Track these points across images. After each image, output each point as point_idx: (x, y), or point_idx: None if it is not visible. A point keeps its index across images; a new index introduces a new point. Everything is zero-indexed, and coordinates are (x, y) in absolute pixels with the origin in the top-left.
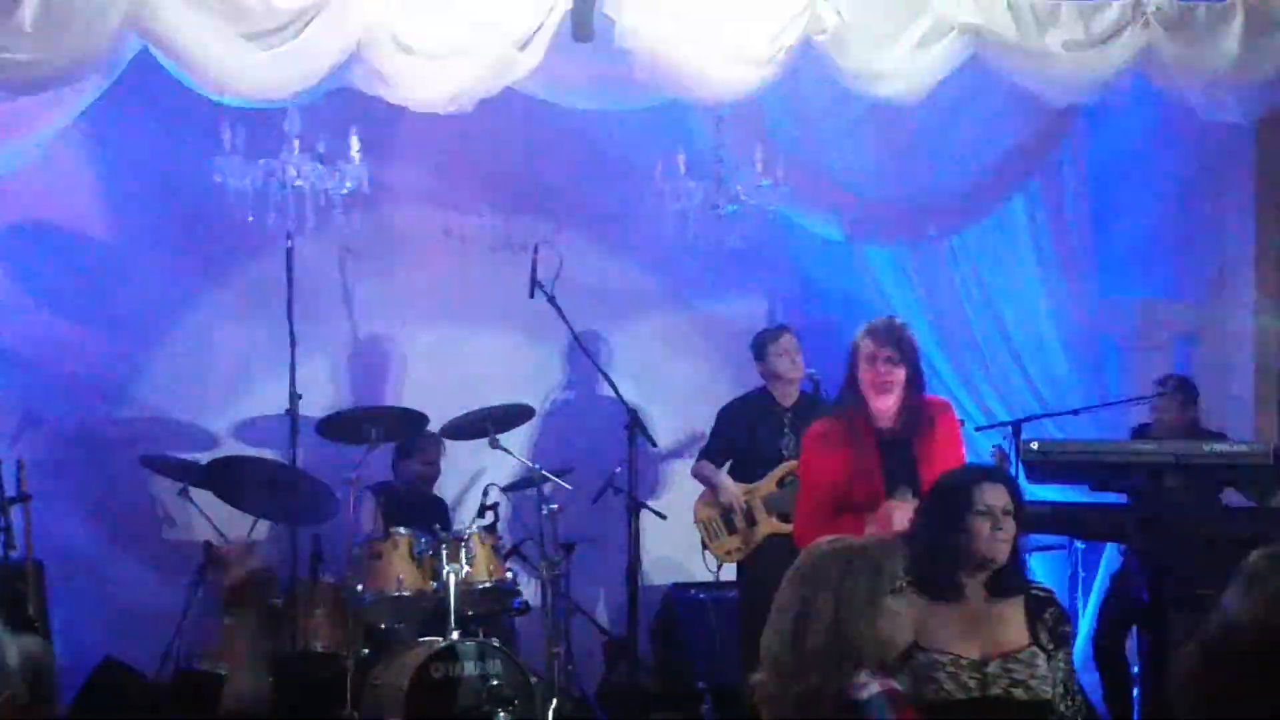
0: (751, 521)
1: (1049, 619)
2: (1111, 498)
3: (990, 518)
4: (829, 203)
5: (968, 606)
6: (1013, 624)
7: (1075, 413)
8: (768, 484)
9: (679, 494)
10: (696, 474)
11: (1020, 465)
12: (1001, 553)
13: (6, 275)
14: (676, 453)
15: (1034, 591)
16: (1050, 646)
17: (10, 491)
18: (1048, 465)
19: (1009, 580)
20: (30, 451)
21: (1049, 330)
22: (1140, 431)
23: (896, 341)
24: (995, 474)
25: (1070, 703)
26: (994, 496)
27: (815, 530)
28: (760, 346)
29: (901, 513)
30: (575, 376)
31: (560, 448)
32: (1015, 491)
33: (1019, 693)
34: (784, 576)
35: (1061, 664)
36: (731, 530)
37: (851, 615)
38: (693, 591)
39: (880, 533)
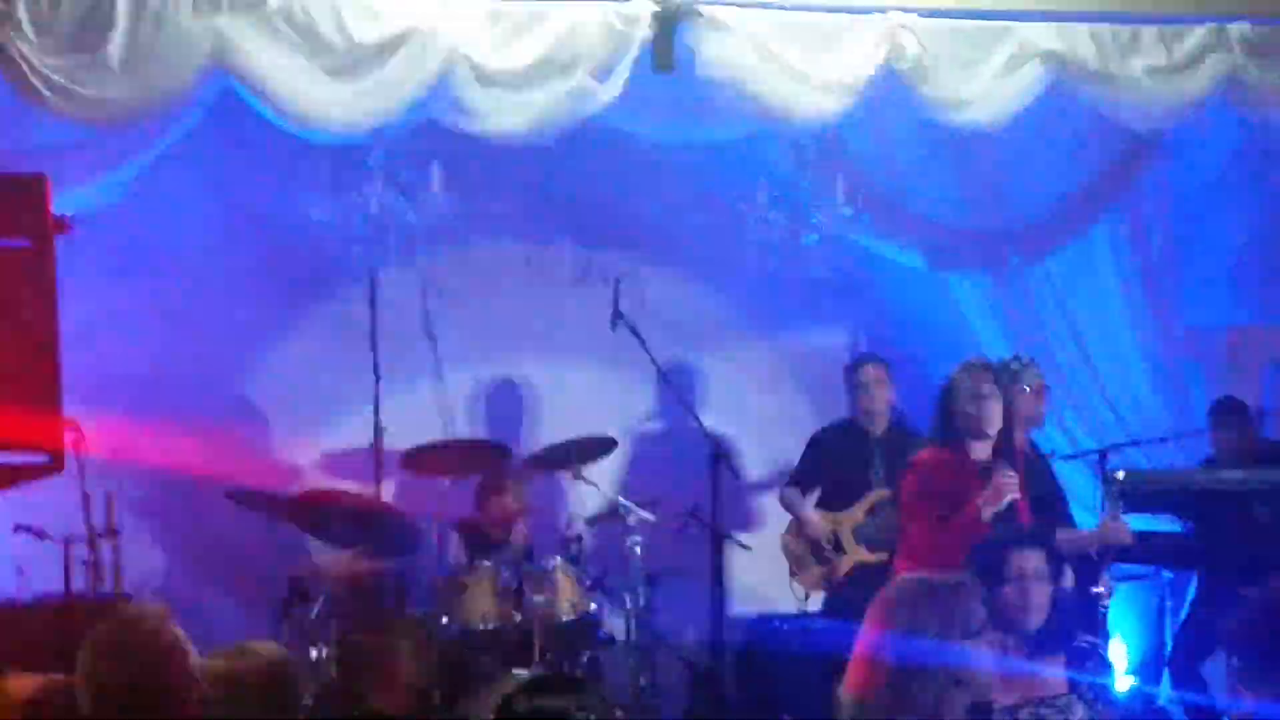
0: (840, 550)
1: (1090, 669)
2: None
3: (1020, 583)
4: (910, 232)
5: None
6: (1050, 666)
7: (1162, 441)
8: (856, 513)
9: (766, 527)
10: (783, 500)
11: (1104, 493)
12: (1030, 619)
13: (99, 308)
14: (763, 484)
15: (1079, 645)
16: (1090, 696)
17: (99, 527)
18: (1134, 494)
19: (1046, 639)
20: (118, 485)
21: (1134, 358)
22: (1208, 464)
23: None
24: (1029, 538)
25: None
26: (1025, 561)
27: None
28: (849, 376)
29: (1009, 483)
30: (659, 408)
31: (645, 480)
32: (1051, 553)
33: None
34: (868, 613)
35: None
36: (820, 560)
37: (924, 657)
38: (778, 623)
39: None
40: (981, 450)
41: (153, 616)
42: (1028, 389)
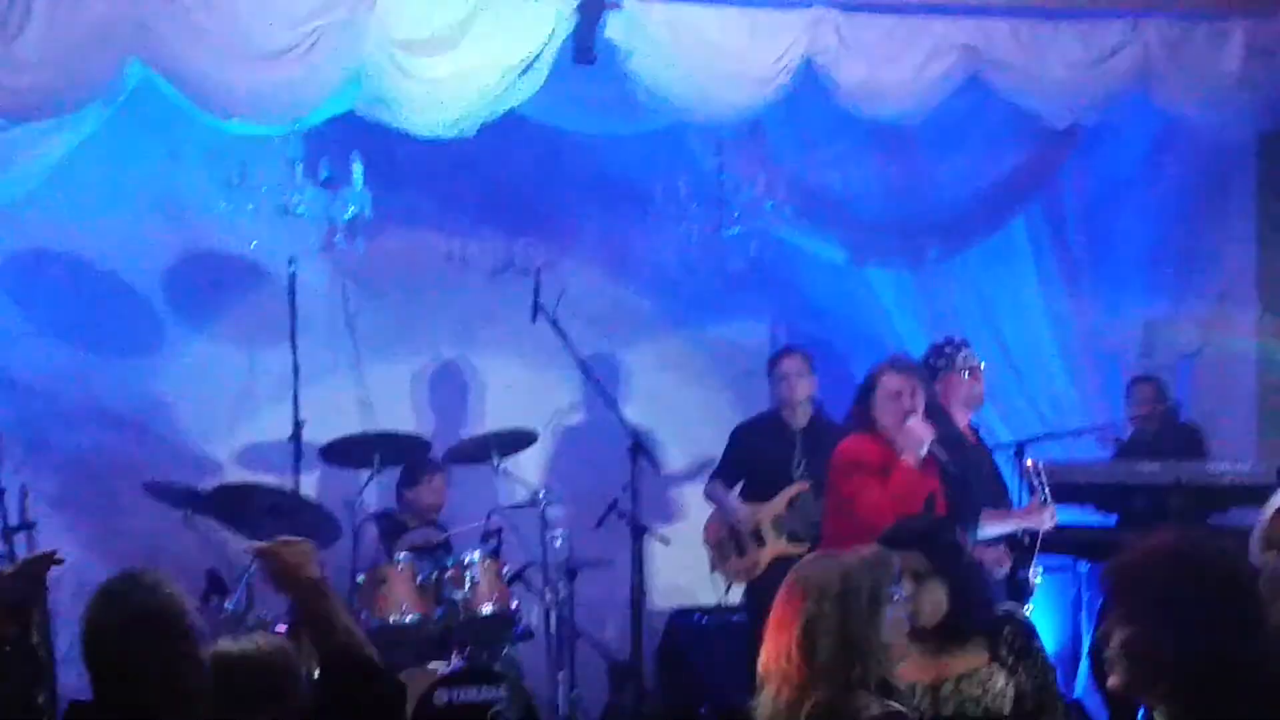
0: (760, 542)
1: (1008, 635)
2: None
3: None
4: (831, 225)
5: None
6: (968, 645)
7: (1078, 433)
8: (778, 505)
9: (687, 519)
10: (708, 495)
11: (1022, 485)
12: (922, 619)
13: (11, 302)
14: (684, 477)
15: (1000, 613)
16: (1010, 660)
17: (14, 519)
18: (1050, 487)
19: (960, 624)
20: (34, 479)
21: (1051, 350)
22: (1127, 449)
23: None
24: (911, 538)
25: (1052, 707)
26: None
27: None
28: (770, 368)
29: (925, 430)
30: (580, 401)
31: (565, 472)
32: (944, 551)
33: (972, 708)
34: (777, 595)
35: (1028, 676)
36: (741, 551)
37: (858, 623)
38: (697, 616)
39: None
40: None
41: (162, 578)
42: (964, 372)
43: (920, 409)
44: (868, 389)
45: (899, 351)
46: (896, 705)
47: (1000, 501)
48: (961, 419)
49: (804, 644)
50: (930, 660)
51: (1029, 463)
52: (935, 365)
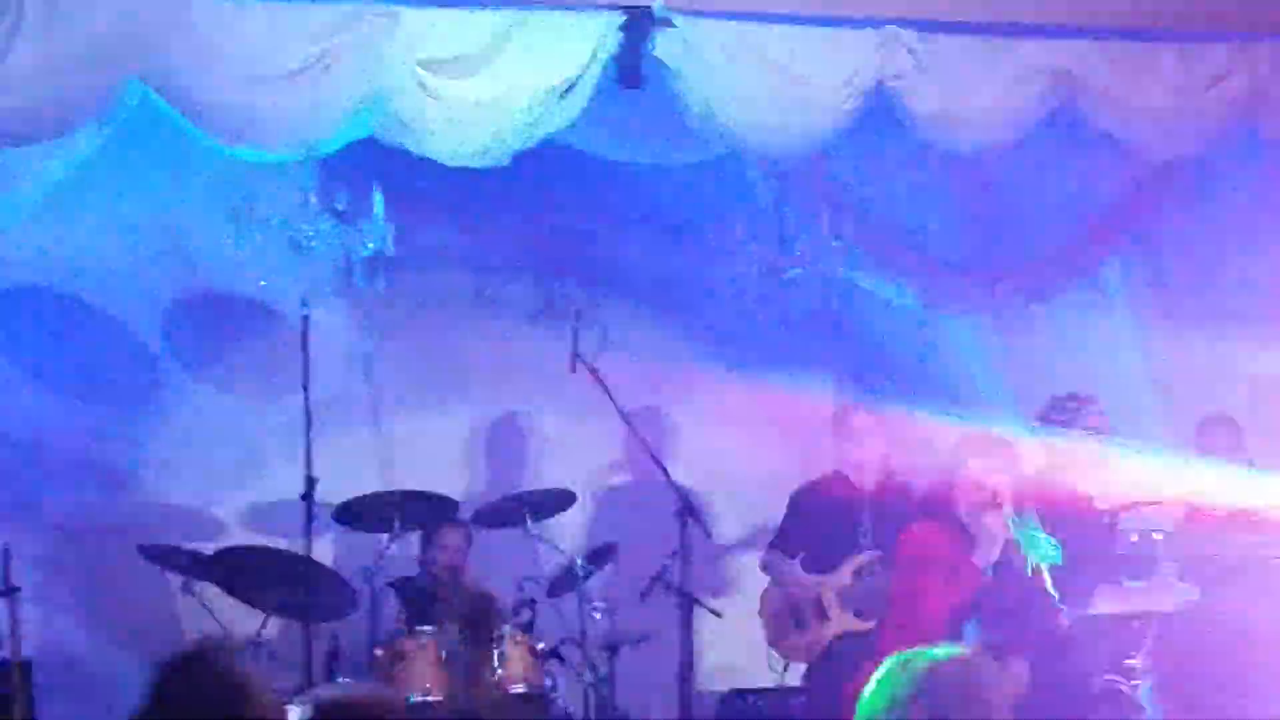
0: (824, 617)
1: None
2: None
3: None
4: (903, 266)
5: None
6: None
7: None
8: (843, 575)
9: (741, 591)
10: (765, 567)
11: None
12: None
13: None
14: (738, 544)
15: None
16: None
17: None
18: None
19: None
20: (19, 540)
21: (1152, 408)
22: None
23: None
24: None
25: None
26: None
27: None
28: (839, 425)
29: (999, 521)
30: (623, 459)
31: (607, 538)
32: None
33: None
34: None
35: None
36: (801, 626)
37: None
38: (752, 699)
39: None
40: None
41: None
42: (1085, 429)
43: (1008, 499)
44: (948, 469)
45: (984, 431)
46: None
47: (1113, 572)
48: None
49: None
50: None
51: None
52: (1055, 420)
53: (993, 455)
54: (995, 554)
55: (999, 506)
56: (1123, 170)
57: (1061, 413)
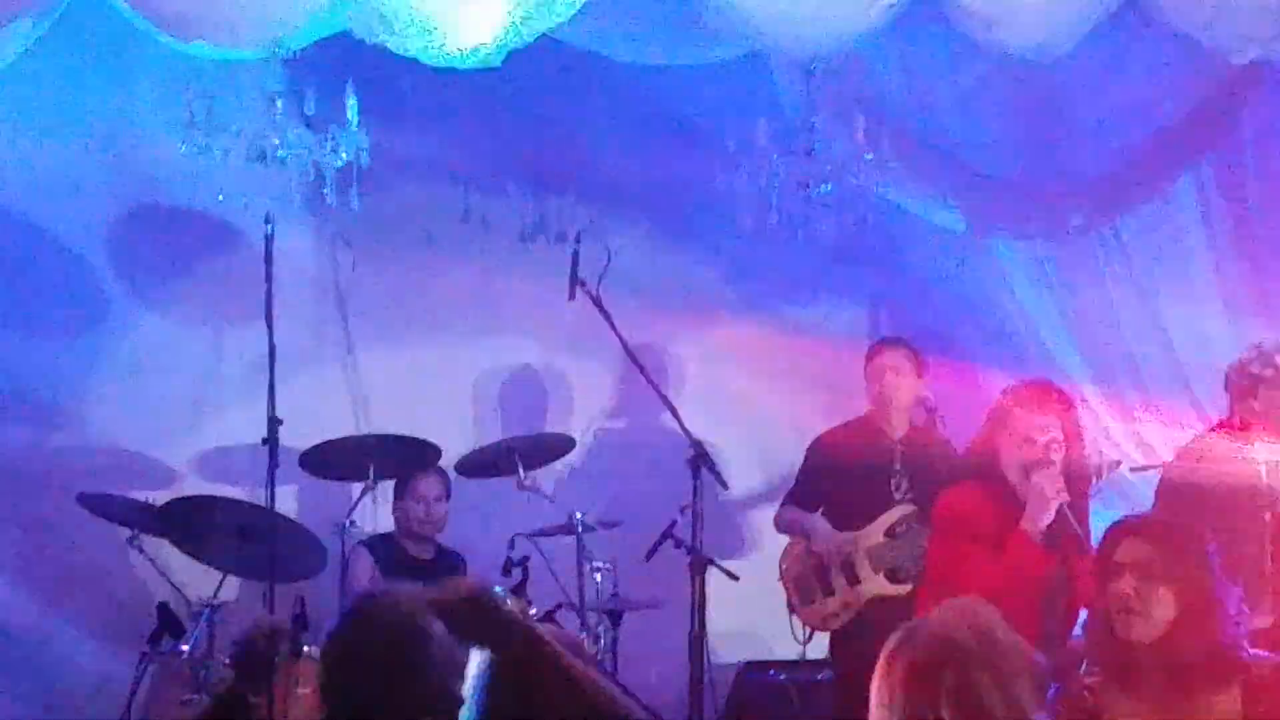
0: (854, 580)
1: None
2: None
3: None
4: (947, 184)
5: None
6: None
7: None
8: (875, 533)
9: (760, 550)
10: (781, 523)
11: None
12: (1128, 628)
13: None
14: (758, 498)
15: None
16: None
17: None
18: None
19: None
20: None
21: (1227, 346)
22: None
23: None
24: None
25: None
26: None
27: None
28: (870, 363)
29: (1050, 480)
30: (627, 400)
31: (608, 490)
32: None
33: None
34: (882, 656)
35: None
36: (828, 591)
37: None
38: (772, 672)
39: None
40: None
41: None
42: None
43: (1059, 460)
44: (992, 423)
45: (1036, 377)
46: None
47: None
48: (1267, 451)
49: None
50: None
51: None
52: (1258, 375)
53: (1046, 405)
54: (1046, 520)
55: (1050, 464)
56: (1197, 75)
57: (1267, 366)
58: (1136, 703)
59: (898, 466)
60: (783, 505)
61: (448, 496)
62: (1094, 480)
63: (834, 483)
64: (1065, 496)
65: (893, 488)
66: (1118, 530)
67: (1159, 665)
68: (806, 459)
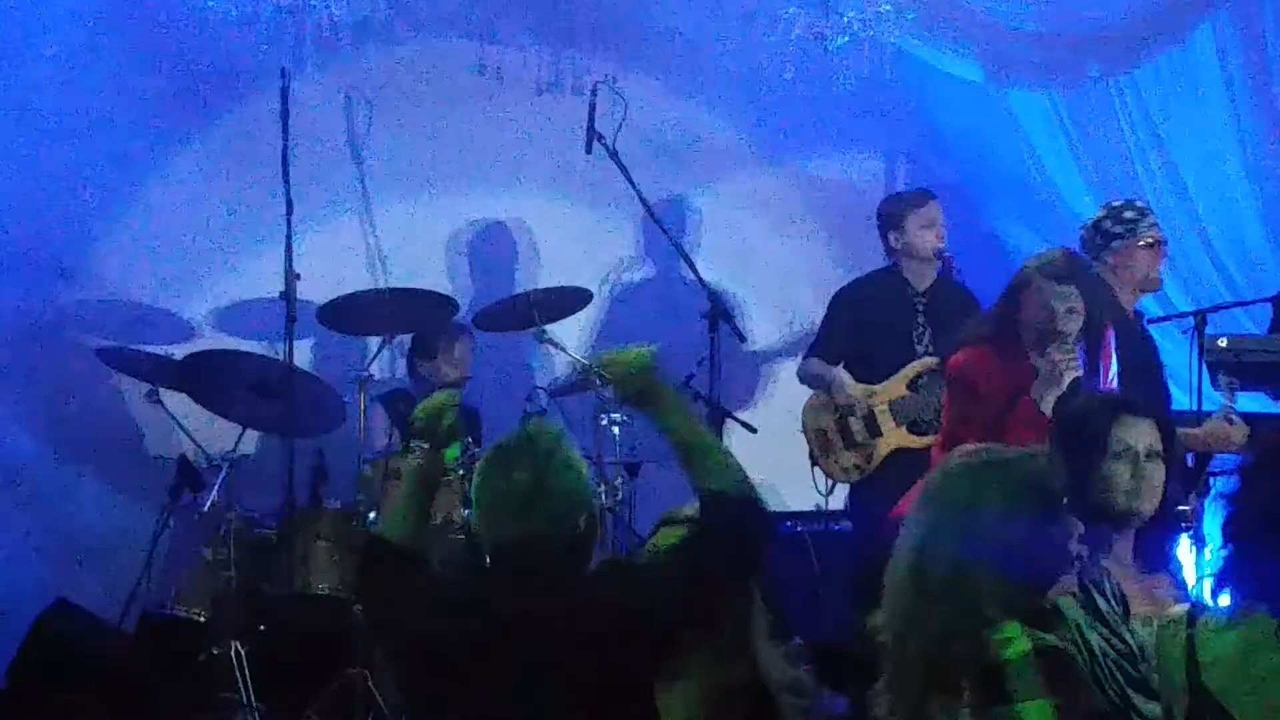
0: (875, 432)
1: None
2: None
3: (1130, 461)
4: (964, 33)
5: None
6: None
7: (1276, 301)
8: (896, 386)
9: (778, 403)
10: (804, 375)
11: (1204, 367)
12: (1146, 504)
13: None
14: (776, 351)
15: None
16: None
17: None
18: (1239, 367)
19: (1154, 547)
20: None
21: (1244, 198)
22: None
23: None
24: (1136, 407)
25: None
26: (1136, 435)
27: None
28: (897, 216)
29: (1064, 355)
30: (644, 253)
31: (626, 342)
32: (1166, 429)
33: None
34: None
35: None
36: (850, 443)
37: (981, 546)
38: (790, 524)
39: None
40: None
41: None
42: (1146, 246)
43: (1076, 330)
44: (1012, 291)
45: (1060, 247)
46: (1049, 638)
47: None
48: (1128, 302)
49: (917, 564)
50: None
51: (1220, 342)
52: (1111, 232)
53: (1067, 274)
54: (1055, 393)
55: (1061, 336)
56: None
57: (1118, 223)
58: None
59: (920, 319)
60: (805, 358)
61: (471, 355)
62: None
63: (857, 335)
64: (1078, 371)
65: (915, 340)
66: None
67: None
68: (829, 311)
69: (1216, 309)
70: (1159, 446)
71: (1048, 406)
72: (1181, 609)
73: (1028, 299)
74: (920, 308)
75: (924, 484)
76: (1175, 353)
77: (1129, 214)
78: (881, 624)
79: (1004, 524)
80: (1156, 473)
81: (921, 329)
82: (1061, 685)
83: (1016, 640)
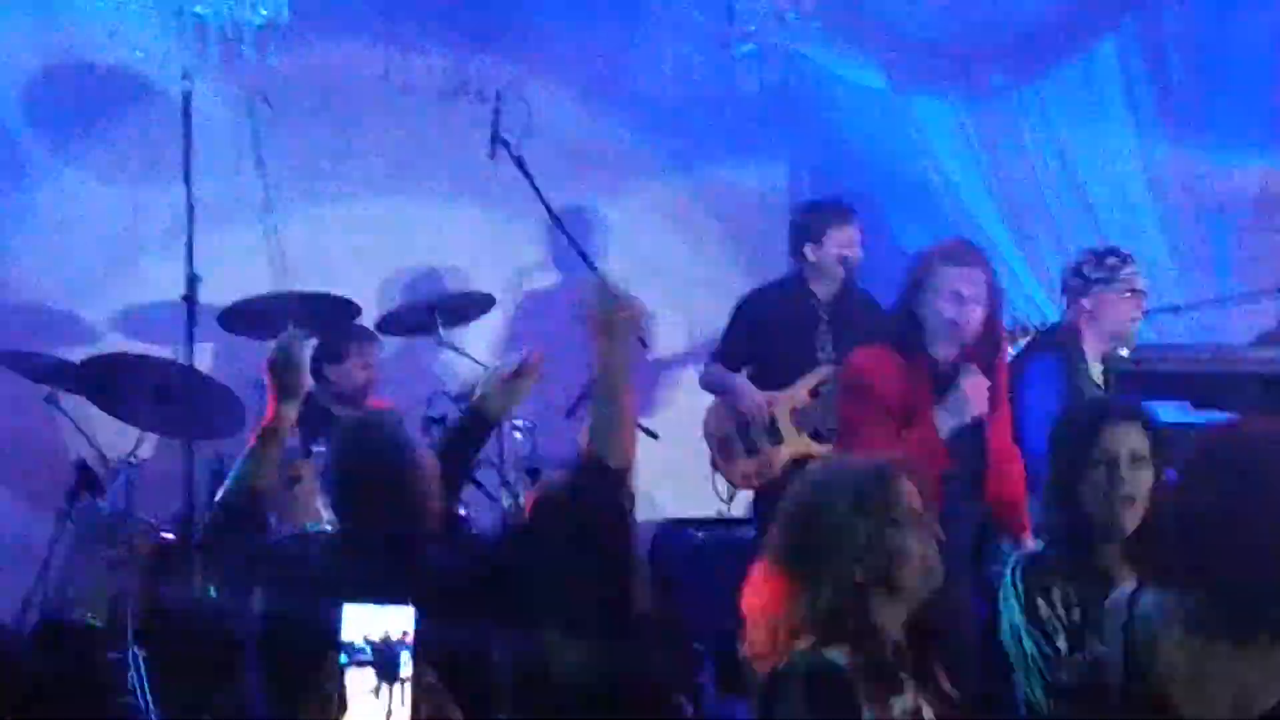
0: (777, 439)
1: None
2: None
3: (1109, 469)
4: (869, 42)
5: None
6: None
7: (1175, 310)
8: (799, 393)
9: (680, 410)
10: (706, 382)
11: (1107, 376)
12: (1125, 515)
13: None
14: (679, 359)
15: None
16: None
17: None
18: (1141, 377)
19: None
20: None
21: (1145, 207)
22: (1267, 340)
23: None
24: (1122, 409)
25: None
26: (1117, 440)
27: None
28: (816, 230)
29: (976, 390)
30: (547, 259)
31: (528, 348)
32: (1153, 431)
33: None
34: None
35: None
36: (752, 449)
37: (827, 548)
38: (690, 531)
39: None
40: (947, 350)
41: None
42: (1125, 294)
43: (980, 316)
44: (913, 281)
45: (957, 236)
46: (829, 655)
47: None
48: (1098, 351)
49: (772, 569)
50: None
51: (1121, 352)
52: (1091, 277)
53: (969, 261)
54: (956, 424)
55: (961, 328)
56: None
57: (1098, 269)
58: None
59: (824, 328)
60: (709, 364)
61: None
62: (1011, 342)
63: (760, 342)
64: (984, 409)
65: (818, 348)
66: None
67: None
68: (732, 318)
69: None
70: (1145, 451)
71: (946, 431)
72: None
73: (930, 288)
74: (825, 316)
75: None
76: None
77: (1111, 260)
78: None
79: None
80: (1139, 480)
81: (825, 337)
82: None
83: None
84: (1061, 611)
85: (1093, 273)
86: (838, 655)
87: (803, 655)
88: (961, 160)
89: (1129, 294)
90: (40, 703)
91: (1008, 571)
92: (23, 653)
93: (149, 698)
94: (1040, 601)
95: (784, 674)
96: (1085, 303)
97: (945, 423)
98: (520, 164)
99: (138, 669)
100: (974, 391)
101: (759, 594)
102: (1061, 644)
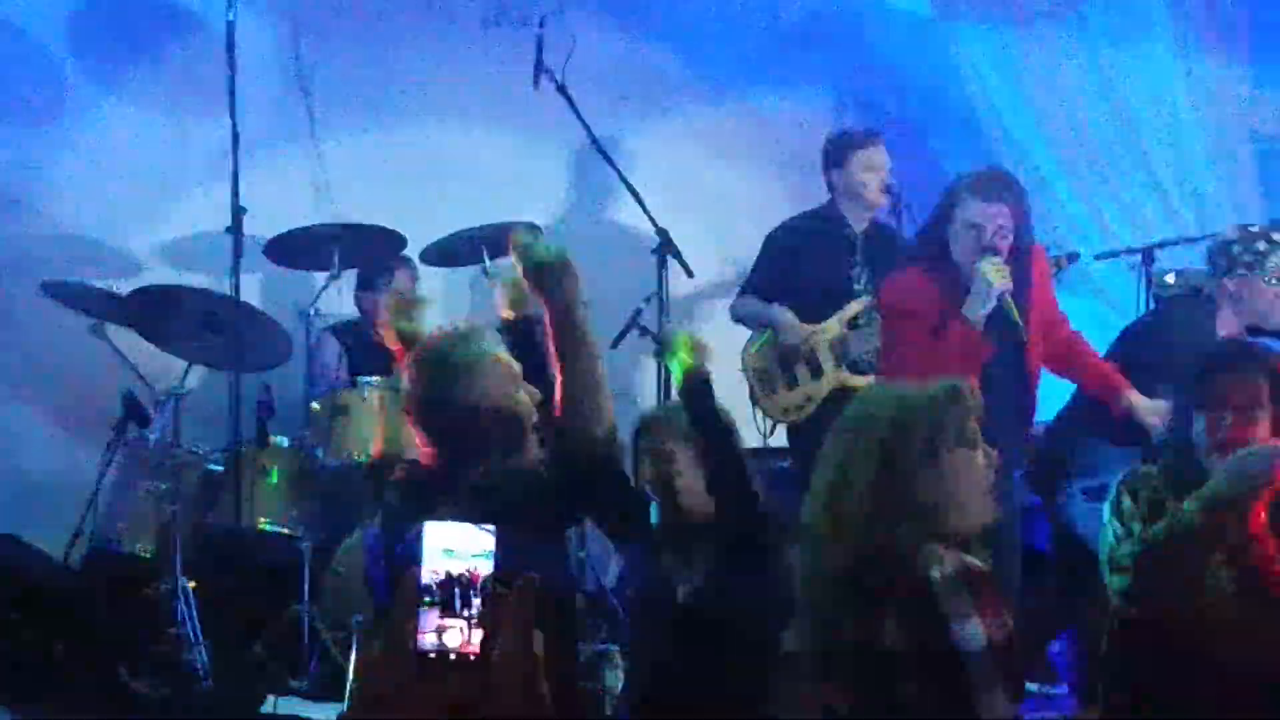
0: (816, 371)
1: None
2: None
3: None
4: None
5: None
6: None
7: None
8: (835, 326)
9: (721, 339)
10: (736, 314)
11: (1151, 303)
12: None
13: None
14: (720, 287)
15: None
16: None
17: None
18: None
19: None
20: None
21: (1191, 132)
22: None
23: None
24: (1246, 354)
25: None
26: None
27: None
28: (839, 152)
29: (994, 268)
30: (590, 189)
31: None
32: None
33: None
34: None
35: None
36: (791, 382)
37: (900, 473)
38: None
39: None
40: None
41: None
42: (1271, 281)
43: (1006, 248)
44: (942, 210)
45: (991, 166)
46: (974, 561)
47: None
48: (1231, 330)
49: (833, 490)
50: None
51: (1167, 277)
52: (1239, 259)
53: (995, 192)
54: (986, 308)
55: (997, 251)
56: None
57: (1246, 249)
58: None
59: (858, 258)
60: (740, 295)
61: (415, 287)
62: (1054, 269)
63: (792, 273)
64: (1008, 285)
65: (854, 279)
66: None
67: None
68: (763, 249)
69: (1163, 245)
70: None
71: (979, 320)
72: None
73: (957, 214)
74: (858, 246)
75: (838, 419)
76: (1123, 288)
77: (1261, 245)
78: (795, 560)
79: (919, 454)
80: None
81: (859, 268)
82: (986, 604)
83: (942, 562)
84: (1145, 510)
85: (1241, 255)
86: None
87: None
88: (1004, 85)
89: (1275, 281)
90: (90, 633)
91: (1114, 484)
92: (72, 584)
93: (198, 628)
94: (1127, 499)
95: None
96: (1229, 283)
97: (975, 311)
98: (563, 91)
99: (186, 600)
100: (991, 270)
101: None
102: (1135, 528)
